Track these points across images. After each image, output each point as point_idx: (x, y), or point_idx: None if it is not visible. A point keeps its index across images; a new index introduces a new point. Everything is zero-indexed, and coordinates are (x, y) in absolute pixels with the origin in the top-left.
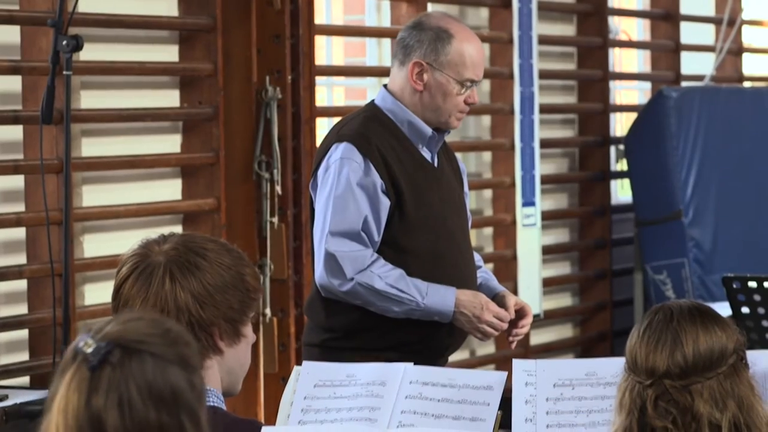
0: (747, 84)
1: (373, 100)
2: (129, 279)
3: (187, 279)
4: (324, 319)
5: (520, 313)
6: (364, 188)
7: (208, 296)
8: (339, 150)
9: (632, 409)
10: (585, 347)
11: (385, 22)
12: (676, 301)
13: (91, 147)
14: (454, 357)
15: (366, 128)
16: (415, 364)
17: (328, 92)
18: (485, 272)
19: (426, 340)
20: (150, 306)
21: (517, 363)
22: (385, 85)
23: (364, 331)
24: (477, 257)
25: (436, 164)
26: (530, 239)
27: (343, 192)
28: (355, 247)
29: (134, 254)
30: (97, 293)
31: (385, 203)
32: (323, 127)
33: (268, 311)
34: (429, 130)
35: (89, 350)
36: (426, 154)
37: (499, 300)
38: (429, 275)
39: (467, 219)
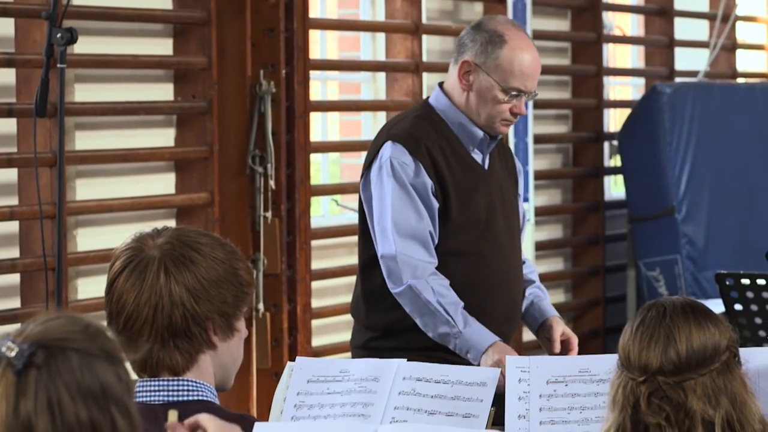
0: (740, 80)
1: (427, 98)
2: (123, 273)
3: (182, 273)
4: (365, 318)
5: (566, 345)
6: (417, 189)
7: (203, 290)
8: (389, 150)
9: (625, 406)
10: (577, 343)
11: (380, 17)
12: (668, 297)
13: (84, 140)
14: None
15: (416, 128)
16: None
17: (322, 86)
18: (539, 288)
19: None
20: (144, 300)
21: (510, 359)
22: (441, 83)
23: (405, 331)
24: (532, 269)
25: (486, 166)
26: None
27: (400, 193)
28: (420, 254)
29: (128, 248)
30: (90, 287)
31: (435, 205)
32: (317, 121)
33: (261, 306)
34: (480, 133)
35: (12, 354)
36: (477, 156)
37: (546, 328)
38: (468, 276)
39: (518, 223)
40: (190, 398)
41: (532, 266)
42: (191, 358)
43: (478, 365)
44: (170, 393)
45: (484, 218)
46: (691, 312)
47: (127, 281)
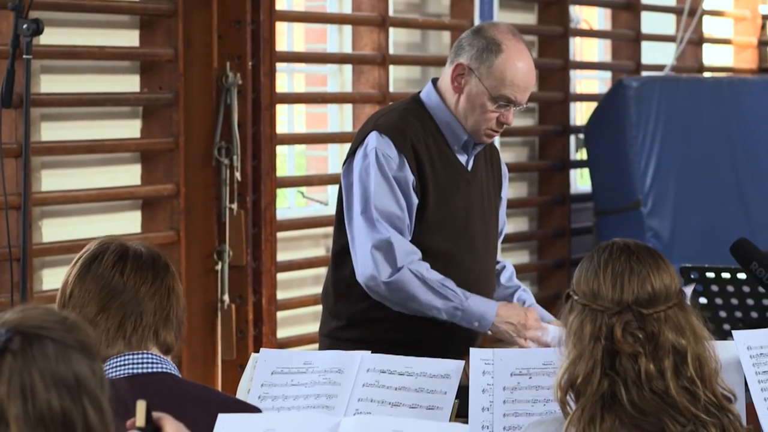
0: (707, 74)
1: (418, 93)
2: (128, 262)
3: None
4: (332, 305)
5: None
6: (399, 183)
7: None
8: (374, 140)
9: (599, 338)
10: None
11: (347, 9)
12: (620, 239)
13: (50, 131)
14: None
15: (403, 122)
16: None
17: (289, 78)
18: (526, 292)
19: (433, 339)
20: (158, 288)
21: (474, 352)
22: (434, 79)
23: (370, 323)
24: (511, 271)
25: (470, 168)
26: None
27: (384, 185)
28: (405, 241)
29: (112, 241)
30: (56, 278)
31: (414, 201)
32: (283, 113)
33: (226, 298)
34: (465, 134)
35: None
36: (461, 156)
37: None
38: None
39: (495, 227)
40: (154, 370)
41: (511, 268)
42: (176, 340)
43: (489, 331)
44: (134, 366)
45: (462, 219)
46: (653, 252)
47: (138, 270)
